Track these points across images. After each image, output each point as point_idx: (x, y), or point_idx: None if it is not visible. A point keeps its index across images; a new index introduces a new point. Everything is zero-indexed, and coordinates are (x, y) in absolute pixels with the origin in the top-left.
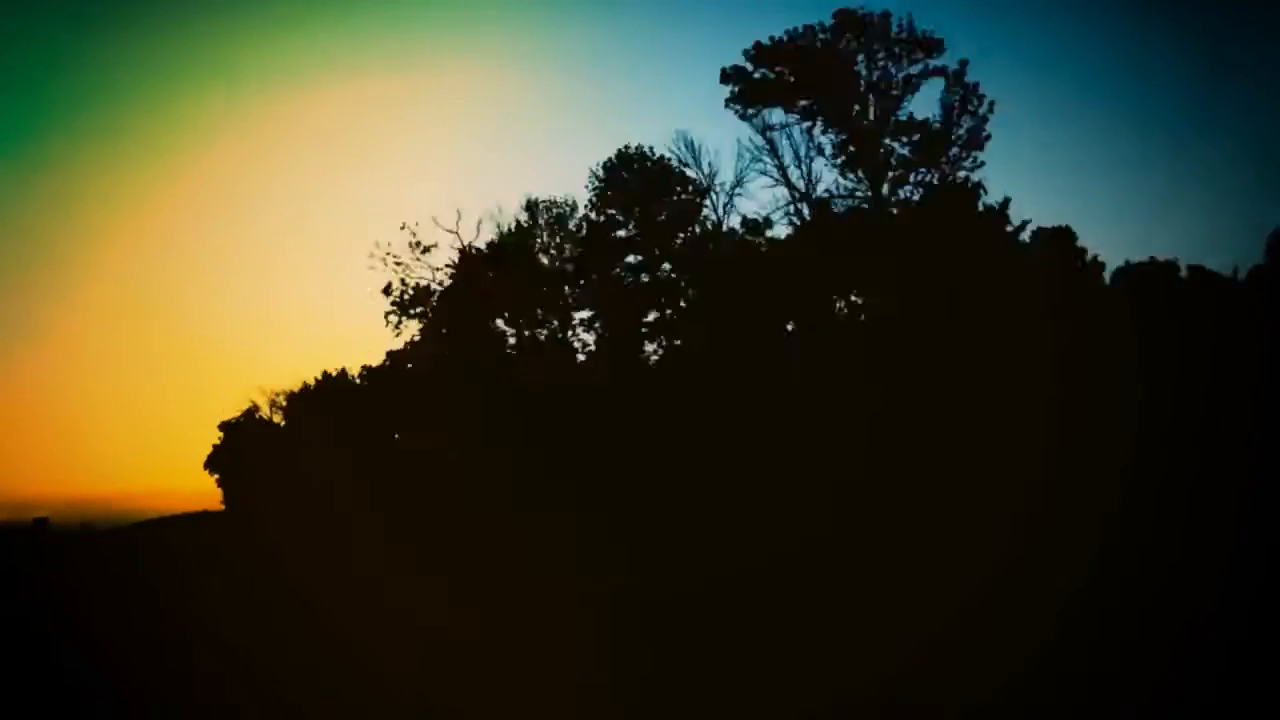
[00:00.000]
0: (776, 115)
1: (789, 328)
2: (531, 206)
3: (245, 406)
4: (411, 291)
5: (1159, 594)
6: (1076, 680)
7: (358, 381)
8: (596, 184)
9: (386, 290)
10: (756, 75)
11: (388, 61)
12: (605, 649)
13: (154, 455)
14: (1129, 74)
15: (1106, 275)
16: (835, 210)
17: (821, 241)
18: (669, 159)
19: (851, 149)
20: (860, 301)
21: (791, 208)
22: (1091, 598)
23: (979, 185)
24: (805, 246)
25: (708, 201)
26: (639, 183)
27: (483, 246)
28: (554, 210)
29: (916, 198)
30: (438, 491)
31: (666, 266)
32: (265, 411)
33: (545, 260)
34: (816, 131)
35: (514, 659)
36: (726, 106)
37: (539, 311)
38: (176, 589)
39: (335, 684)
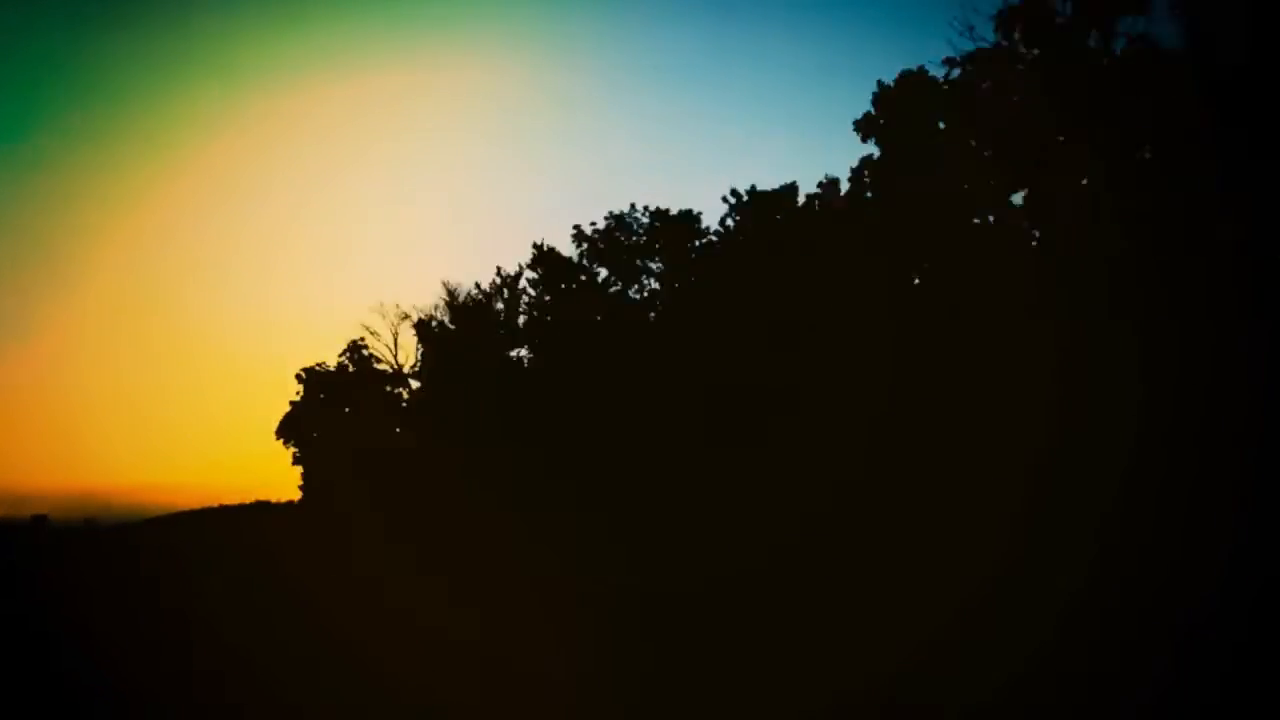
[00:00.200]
0: None
1: (789, 325)
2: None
3: None
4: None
5: (1159, 594)
6: (1076, 680)
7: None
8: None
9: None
10: None
11: (387, 57)
12: (605, 649)
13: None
14: None
15: None
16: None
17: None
18: None
19: None
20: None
21: None
22: (1091, 598)
23: None
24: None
25: None
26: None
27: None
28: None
29: None
30: (438, 491)
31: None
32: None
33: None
34: None
35: (514, 659)
36: None
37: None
38: (177, 588)
39: (335, 684)
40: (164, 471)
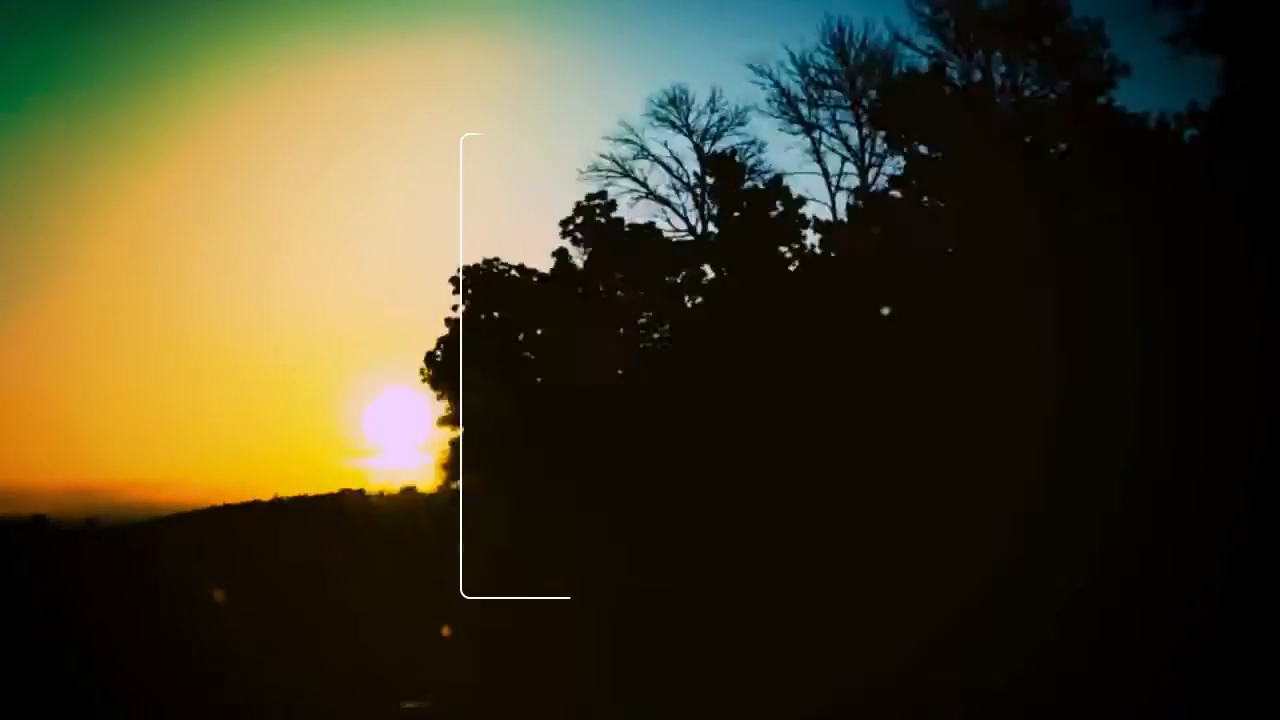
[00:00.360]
0: None
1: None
2: None
3: None
4: None
5: (1159, 594)
6: (1076, 680)
7: None
8: None
9: None
10: None
11: (388, 38)
12: (605, 648)
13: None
14: None
15: None
16: None
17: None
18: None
19: None
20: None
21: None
22: (1091, 598)
23: None
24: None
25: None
26: None
27: None
28: None
29: None
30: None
31: None
32: None
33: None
34: None
35: (514, 658)
36: None
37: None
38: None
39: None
40: (165, 468)
